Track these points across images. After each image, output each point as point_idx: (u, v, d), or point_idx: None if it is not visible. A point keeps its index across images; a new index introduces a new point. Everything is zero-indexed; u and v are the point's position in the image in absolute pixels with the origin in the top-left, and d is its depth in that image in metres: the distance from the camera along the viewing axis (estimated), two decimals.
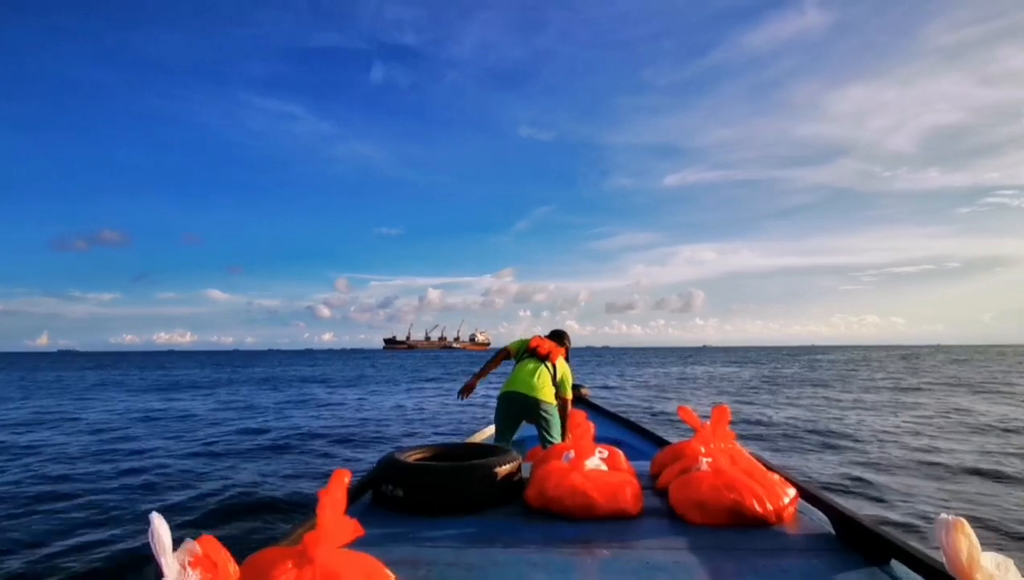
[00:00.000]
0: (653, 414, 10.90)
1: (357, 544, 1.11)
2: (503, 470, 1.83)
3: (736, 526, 1.57)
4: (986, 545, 0.94)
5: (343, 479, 1.09)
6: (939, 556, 1.03)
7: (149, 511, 0.95)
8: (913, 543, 1.23)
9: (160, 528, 0.90)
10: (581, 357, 63.60)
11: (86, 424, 10.36)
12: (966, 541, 0.95)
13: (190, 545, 0.92)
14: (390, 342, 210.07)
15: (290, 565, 1.02)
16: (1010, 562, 0.94)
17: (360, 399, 15.05)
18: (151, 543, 0.89)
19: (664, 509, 1.76)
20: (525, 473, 2.06)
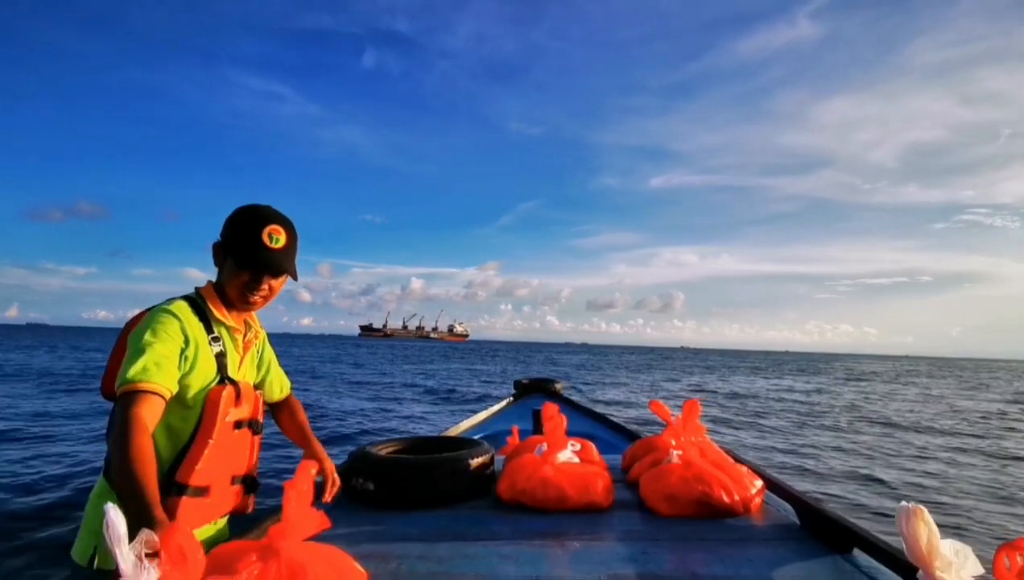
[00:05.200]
0: None
1: (326, 537, 1.08)
2: (475, 463, 1.82)
3: (705, 517, 1.60)
4: (945, 532, 0.97)
5: (309, 471, 1.06)
6: (900, 544, 1.05)
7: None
8: (875, 532, 1.27)
9: (116, 519, 0.86)
10: (572, 354, 60.76)
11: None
12: (925, 529, 0.97)
13: (147, 535, 0.88)
14: (366, 329, 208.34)
15: (255, 558, 0.99)
16: (968, 549, 0.97)
17: None
18: (106, 535, 0.86)
19: (635, 501, 1.78)
20: (497, 466, 2.06)
